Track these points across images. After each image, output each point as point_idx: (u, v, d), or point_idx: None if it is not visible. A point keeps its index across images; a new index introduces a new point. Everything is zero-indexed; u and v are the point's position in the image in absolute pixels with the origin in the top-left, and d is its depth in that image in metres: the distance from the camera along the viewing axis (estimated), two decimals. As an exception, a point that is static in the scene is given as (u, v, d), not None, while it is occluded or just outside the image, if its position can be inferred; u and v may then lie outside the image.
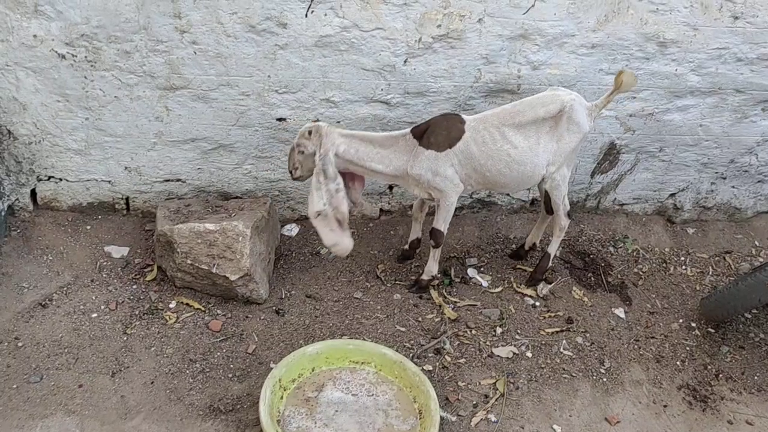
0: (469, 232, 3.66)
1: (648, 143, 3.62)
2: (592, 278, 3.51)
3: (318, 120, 3.13)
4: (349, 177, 2.96)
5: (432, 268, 3.22)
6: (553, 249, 3.33)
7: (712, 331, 3.27)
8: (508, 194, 3.71)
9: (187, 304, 3.06)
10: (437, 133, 2.88)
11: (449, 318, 3.15)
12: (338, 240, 2.84)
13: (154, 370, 2.76)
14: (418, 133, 2.90)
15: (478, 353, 3.01)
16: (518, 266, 3.51)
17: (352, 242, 2.88)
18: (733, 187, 3.85)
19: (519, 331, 3.14)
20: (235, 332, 2.97)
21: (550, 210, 3.29)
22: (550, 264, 3.37)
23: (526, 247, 3.53)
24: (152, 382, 2.71)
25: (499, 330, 3.13)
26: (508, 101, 3.19)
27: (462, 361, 2.97)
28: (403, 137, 2.92)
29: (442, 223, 3.08)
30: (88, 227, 3.37)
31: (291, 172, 2.98)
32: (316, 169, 2.81)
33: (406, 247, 3.41)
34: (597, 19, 3.18)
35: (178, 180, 3.40)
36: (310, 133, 2.84)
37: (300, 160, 2.90)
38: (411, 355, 2.93)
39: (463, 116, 2.94)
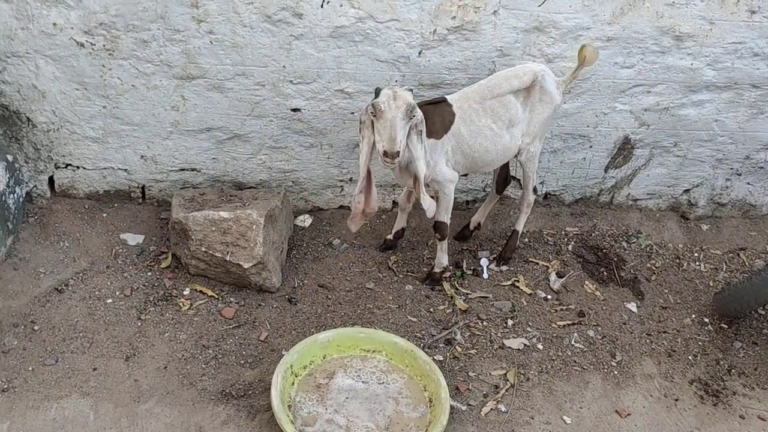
0: (482, 225, 3.66)
1: (662, 138, 3.61)
2: (605, 273, 3.50)
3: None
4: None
5: (442, 260, 3.23)
6: (521, 226, 3.41)
7: (725, 326, 3.25)
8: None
9: (201, 291, 3.09)
10: (433, 120, 2.85)
11: (460, 309, 3.16)
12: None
13: (167, 356, 2.78)
14: None
15: (489, 344, 3.02)
16: (530, 259, 3.51)
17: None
18: (748, 183, 3.83)
19: (530, 324, 3.14)
20: (247, 320, 2.99)
21: (500, 189, 3.39)
22: (518, 242, 3.45)
23: (471, 227, 3.55)
24: (165, 367, 2.74)
25: (510, 322, 3.13)
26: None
27: (473, 351, 2.97)
28: None
29: (444, 214, 3.10)
30: (105, 215, 3.41)
31: (396, 145, 2.60)
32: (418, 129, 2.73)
33: (390, 237, 3.43)
34: (612, 12, 3.18)
35: (194, 169, 3.44)
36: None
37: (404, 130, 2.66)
38: (422, 345, 2.94)
39: (447, 98, 2.96)
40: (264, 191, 3.37)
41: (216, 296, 3.07)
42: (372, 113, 2.61)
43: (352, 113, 3.33)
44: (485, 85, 2.97)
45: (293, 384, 2.64)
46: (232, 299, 3.07)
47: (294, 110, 3.30)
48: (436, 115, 2.89)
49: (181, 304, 3.01)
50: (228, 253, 3.01)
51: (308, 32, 3.09)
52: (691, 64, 3.36)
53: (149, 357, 2.77)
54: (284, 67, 3.17)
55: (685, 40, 3.29)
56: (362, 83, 3.25)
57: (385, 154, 2.59)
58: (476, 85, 3.00)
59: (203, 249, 3.01)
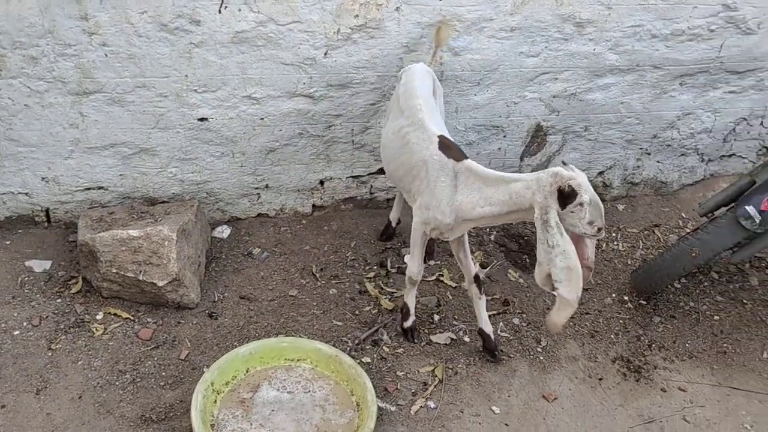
0: (405, 222, 3.65)
1: (573, 123, 3.68)
2: (528, 260, 3.54)
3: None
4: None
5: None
6: None
7: (644, 303, 3.33)
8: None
9: (115, 314, 2.96)
10: (452, 150, 2.57)
11: (387, 309, 3.14)
12: None
13: (81, 385, 2.66)
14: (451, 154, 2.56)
15: (417, 342, 3.00)
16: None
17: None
18: (657, 161, 3.94)
19: (456, 317, 3.15)
20: (166, 339, 2.89)
21: None
22: None
23: (393, 225, 3.51)
24: (80, 397, 2.61)
25: (436, 317, 3.13)
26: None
27: (400, 351, 2.95)
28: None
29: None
30: (8, 242, 3.23)
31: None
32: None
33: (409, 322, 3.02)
34: (513, 2, 3.21)
35: (100, 188, 3.30)
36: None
37: None
38: (349, 348, 2.90)
39: (434, 132, 2.61)
40: (177, 205, 3.27)
41: (132, 318, 2.96)
42: (580, 207, 2.23)
43: (262, 119, 3.26)
44: (422, 94, 2.76)
45: (215, 401, 2.56)
46: (149, 319, 2.96)
47: (201, 120, 3.21)
48: (453, 147, 2.59)
49: (94, 330, 2.88)
50: (141, 272, 2.90)
51: (208, 39, 3.00)
52: (594, 50, 3.43)
53: (62, 388, 2.64)
54: (186, 76, 3.07)
55: (586, 26, 3.35)
56: (269, 88, 3.19)
57: (600, 230, 2.30)
58: (418, 99, 2.73)
59: (114, 270, 2.90)
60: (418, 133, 2.65)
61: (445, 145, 2.57)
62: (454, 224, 2.57)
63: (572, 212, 2.24)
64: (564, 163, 2.31)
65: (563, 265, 2.23)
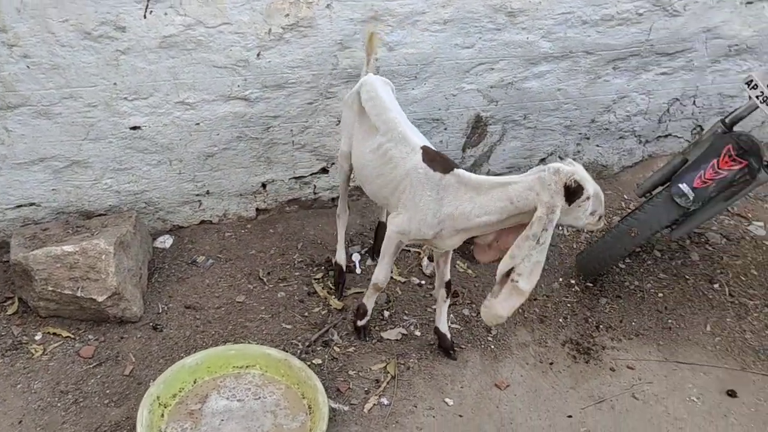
0: (351, 220, 3.62)
1: (512, 112, 3.70)
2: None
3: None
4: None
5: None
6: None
7: (591, 285, 3.38)
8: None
9: (55, 333, 2.87)
10: (438, 159, 2.49)
11: (336, 309, 3.11)
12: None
13: (21, 409, 2.57)
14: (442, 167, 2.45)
15: (368, 340, 2.98)
16: (403, 248, 3.50)
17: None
18: (597, 145, 4.00)
19: (406, 312, 3.14)
20: (109, 355, 2.81)
21: None
22: None
23: (344, 267, 3.28)
24: (20, 422, 2.52)
25: (386, 313, 3.12)
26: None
27: (351, 350, 2.93)
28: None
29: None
30: (-63, 267, 3.11)
31: None
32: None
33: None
34: (444, -5, 3.22)
35: (32, 204, 3.19)
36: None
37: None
38: (299, 351, 2.87)
39: (421, 146, 2.53)
40: (114, 217, 3.18)
41: (72, 336, 2.87)
42: (587, 201, 2.21)
43: (197, 124, 3.20)
44: (397, 110, 2.69)
45: (163, 415, 2.50)
46: (90, 336, 2.88)
47: (134, 128, 3.13)
48: (439, 158, 2.50)
49: (33, 351, 2.78)
50: (78, 288, 2.81)
51: (135, 45, 2.92)
52: (527, 38, 3.46)
53: (1, 414, 2.54)
54: (115, 84, 2.99)
55: (518, 16, 3.37)
56: (203, 92, 3.13)
57: (601, 218, 2.31)
58: (397, 117, 2.64)
59: (50, 288, 2.80)
60: (400, 147, 2.55)
61: (429, 157, 2.47)
62: (446, 236, 2.49)
63: (579, 206, 2.21)
64: (560, 158, 2.25)
65: (536, 260, 2.22)
